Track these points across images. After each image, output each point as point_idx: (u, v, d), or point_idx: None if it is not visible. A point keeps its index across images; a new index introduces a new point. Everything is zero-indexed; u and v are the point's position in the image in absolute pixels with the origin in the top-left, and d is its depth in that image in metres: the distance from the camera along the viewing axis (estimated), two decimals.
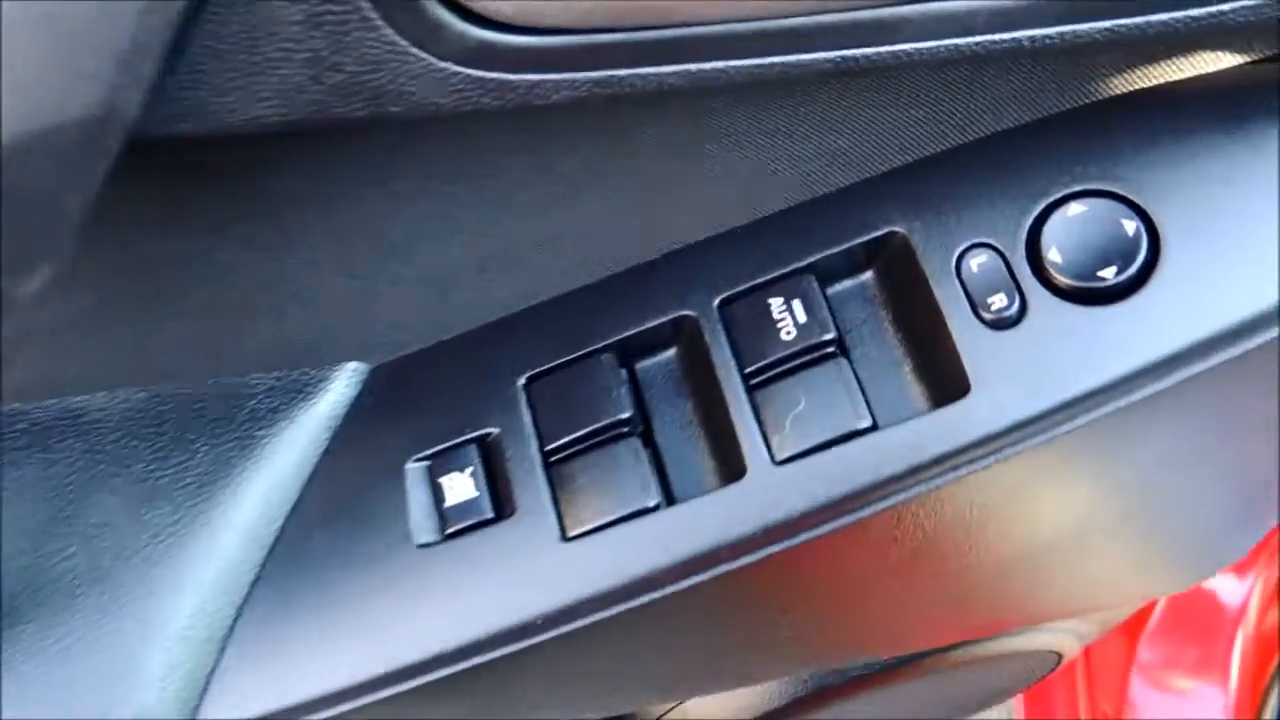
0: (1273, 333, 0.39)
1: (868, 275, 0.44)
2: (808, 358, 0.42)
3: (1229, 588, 1.11)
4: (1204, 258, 0.39)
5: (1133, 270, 0.39)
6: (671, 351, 0.45)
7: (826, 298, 0.43)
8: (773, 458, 0.41)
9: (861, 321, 0.43)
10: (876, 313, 0.43)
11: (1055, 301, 0.40)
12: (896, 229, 0.42)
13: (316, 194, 0.35)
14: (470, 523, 0.43)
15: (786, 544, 0.42)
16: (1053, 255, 0.40)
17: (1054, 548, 0.53)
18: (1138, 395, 0.40)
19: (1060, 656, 0.80)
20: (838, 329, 0.42)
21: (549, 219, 0.40)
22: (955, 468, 0.41)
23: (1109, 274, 0.39)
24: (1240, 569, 1.10)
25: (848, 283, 0.44)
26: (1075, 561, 0.57)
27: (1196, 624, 1.11)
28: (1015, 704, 1.19)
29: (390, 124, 0.29)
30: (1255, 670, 1.10)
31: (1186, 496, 0.54)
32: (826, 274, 0.43)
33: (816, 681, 0.73)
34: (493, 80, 0.29)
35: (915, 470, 0.40)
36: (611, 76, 0.30)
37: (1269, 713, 1.10)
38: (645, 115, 0.35)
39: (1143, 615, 1.10)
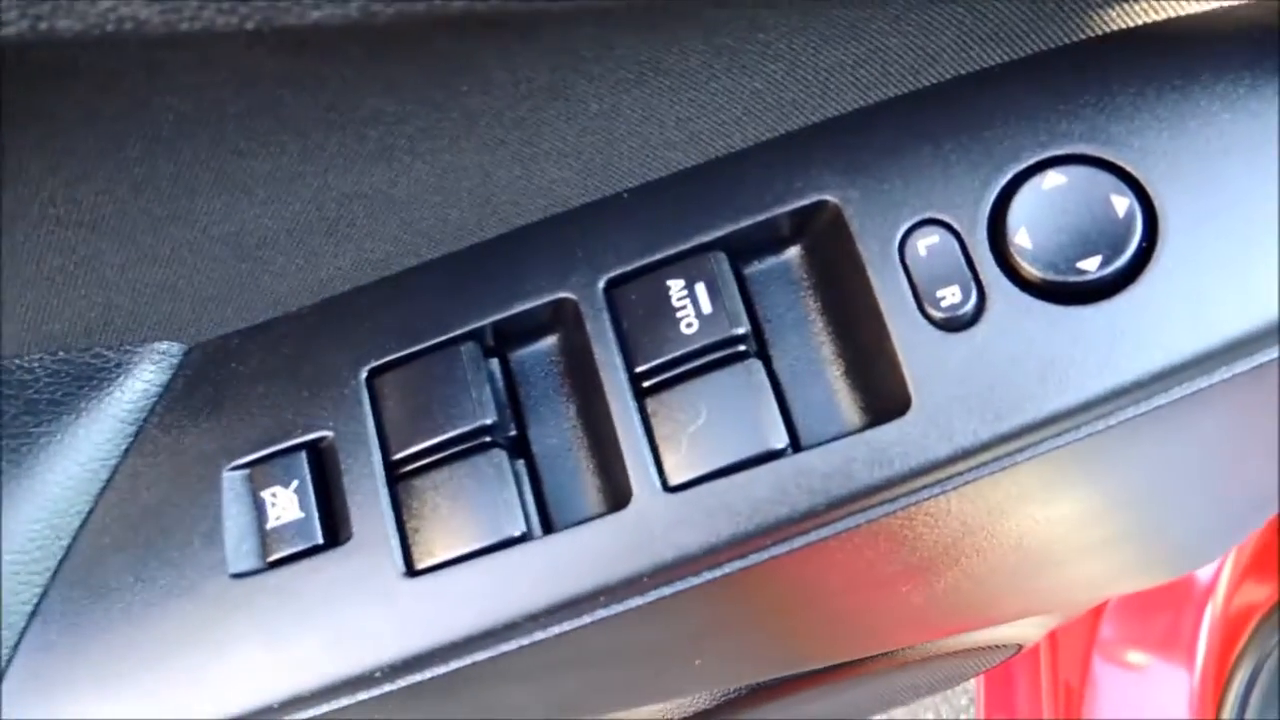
0: None
1: (792, 253, 0.35)
2: (713, 357, 0.33)
3: None
4: (1212, 248, 0.30)
5: (1122, 261, 0.31)
6: (553, 339, 0.37)
7: (740, 281, 0.34)
8: (665, 483, 0.33)
9: (782, 312, 0.35)
10: (801, 301, 0.35)
11: (1022, 298, 0.31)
12: (827, 198, 0.33)
13: (25, 127, 0.26)
14: (296, 549, 0.35)
15: (680, 586, 0.34)
16: (1021, 239, 0.31)
17: (1011, 568, 0.45)
18: (1119, 418, 0.32)
19: (1021, 646, 0.75)
20: (752, 321, 0.34)
21: (374, 176, 0.31)
22: (890, 500, 0.33)
23: (1091, 265, 0.31)
24: None
25: (767, 262, 0.35)
26: (1036, 577, 0.49)
27: (1162, 601, 1.06)
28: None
29: (84, 46, 0.20)
30: (1221, 649, 1.06)
31: (1168, 512, 0.46)
32: (740, 251, 0.34)
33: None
34: None
35: (838, 504, 0.32)
36: None
37: (1234, 693, 1.06)
38: (487, 46, 0.26)
39: None
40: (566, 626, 0.34)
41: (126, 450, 0.38)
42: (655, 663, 0.42)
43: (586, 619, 0.34)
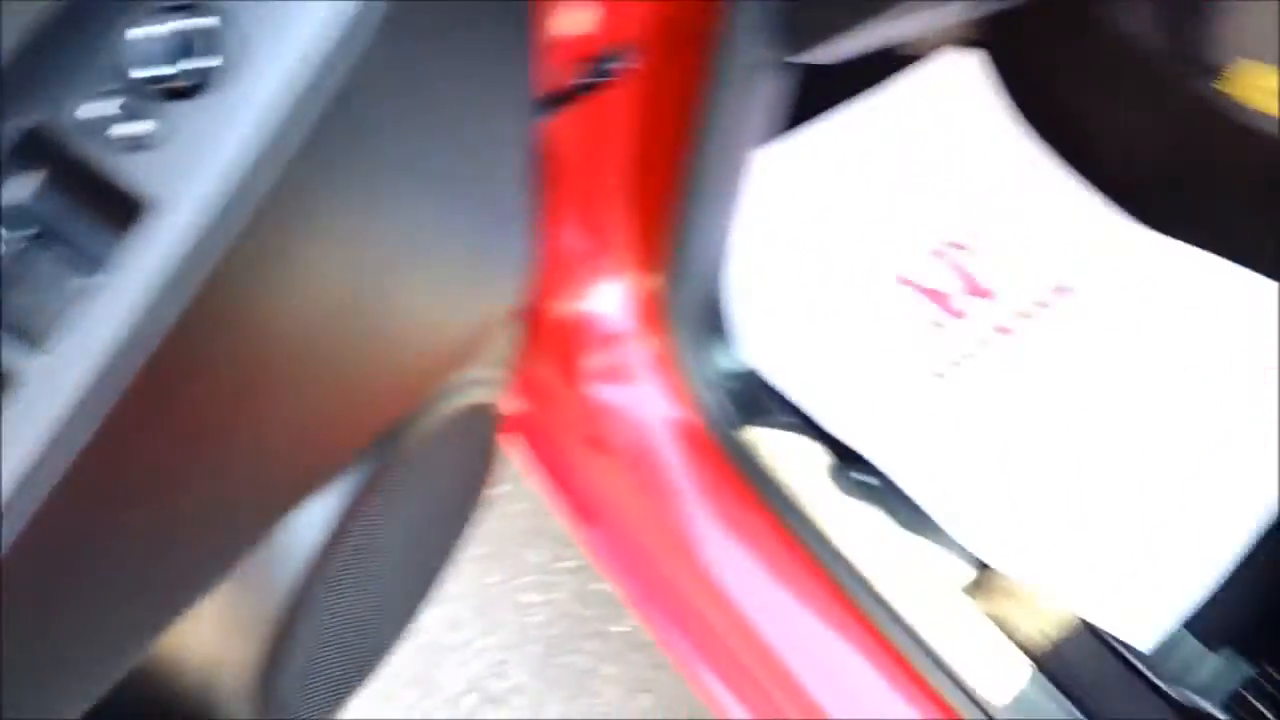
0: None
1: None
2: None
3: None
4: (270, 63, 0.41)
5: (210, 66, 0.41)
6: None
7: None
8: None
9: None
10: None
11: (166, 105, 0.41)
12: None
13: None
14: None
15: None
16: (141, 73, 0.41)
17: (364, 314, 0.55)
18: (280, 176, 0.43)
19: (493, 407, 0.80)
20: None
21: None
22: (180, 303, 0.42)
23: (184, 68, 0.41)
24: None
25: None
26: (389, 331, 0.58)
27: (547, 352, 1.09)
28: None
29: None
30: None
31: (445, 240, 0.59)
32: None
33: None
34: None
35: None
36: None
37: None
38: None
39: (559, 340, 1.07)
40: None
41: None
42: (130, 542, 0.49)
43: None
